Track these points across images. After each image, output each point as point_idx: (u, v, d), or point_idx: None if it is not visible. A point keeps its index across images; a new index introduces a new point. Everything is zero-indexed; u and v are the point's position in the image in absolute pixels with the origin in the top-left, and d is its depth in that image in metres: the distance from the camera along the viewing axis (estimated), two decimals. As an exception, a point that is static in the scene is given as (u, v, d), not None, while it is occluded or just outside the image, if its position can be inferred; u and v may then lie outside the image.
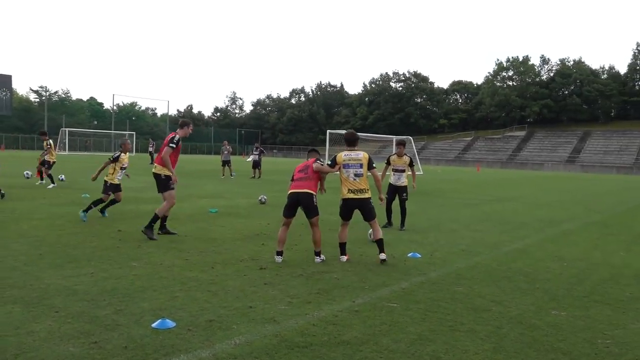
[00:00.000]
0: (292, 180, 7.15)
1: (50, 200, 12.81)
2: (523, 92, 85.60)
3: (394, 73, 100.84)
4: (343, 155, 7.10)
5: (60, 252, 6.95)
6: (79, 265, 6.25)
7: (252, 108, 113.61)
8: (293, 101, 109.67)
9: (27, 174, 19.76)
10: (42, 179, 17.39)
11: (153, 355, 3.69)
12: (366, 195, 7.02)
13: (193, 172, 28.62)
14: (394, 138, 43.89)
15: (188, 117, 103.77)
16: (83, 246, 7.40)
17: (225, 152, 25.57)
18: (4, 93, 76.51)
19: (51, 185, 16.46)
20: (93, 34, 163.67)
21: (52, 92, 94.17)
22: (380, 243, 7.03)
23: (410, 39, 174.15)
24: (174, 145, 8.40)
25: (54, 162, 17.06)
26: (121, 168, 10.47)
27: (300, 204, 6.93)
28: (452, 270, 6.79)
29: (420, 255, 7.57)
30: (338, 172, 7.21)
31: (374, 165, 7.16)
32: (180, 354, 3.73)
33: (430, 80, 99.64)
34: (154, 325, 4.25)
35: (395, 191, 10.45)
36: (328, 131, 32.36)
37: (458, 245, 8.70)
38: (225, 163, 25.48)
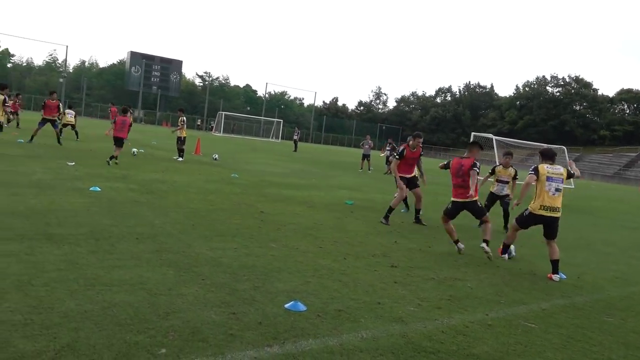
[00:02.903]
0: (452, 177, 7.71)
1: (205, 177, 13.99)
2: None
3: (552, 77, 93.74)
4: (546, 167, 6.97)
5: (210, 225, 7.57)
6: (224, 240, 6.76)
7: (395, 104, 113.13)
8: (438, 100, 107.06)
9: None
10: (180, 156, 18.57)
11: (284, 335, 3.86)
12: (558, 215, 6.89)
13: (333, 164, 29.37)
14: (544, 146, 40.93)
15: (332, 109, 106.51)
16: (229, 222, 7.98)
17: (367, 147, 25.83)
18: (174, 76, 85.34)
19: (180, 159, 18.04)
20: (254, 26, 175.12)
21: (214, 77, 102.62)
22: (555, 264, 6.88)
23: (574, 40, 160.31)
24: (398, 157, 10.14)
25: (184, 138, 18.60)
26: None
27: (467, 210, 7.61)
28: (602, 298, 6.15)
29: (565, 276, 6.97)
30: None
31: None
32: (309, 337, 3.86)
33: (593, 87, 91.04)
34: (286, 306, 4.45)
35: (495, 199, 10.75)
36: (473, 133, 31.12)
37: (611, 270, 7.86)
38: (365, 157, 25.74)
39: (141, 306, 4.07)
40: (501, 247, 7.69)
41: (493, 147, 31.77)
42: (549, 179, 6.83)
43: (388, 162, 24.18)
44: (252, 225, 7.95)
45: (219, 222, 7.88)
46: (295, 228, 8.16)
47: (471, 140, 31.08)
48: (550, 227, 6.92)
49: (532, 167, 7.05)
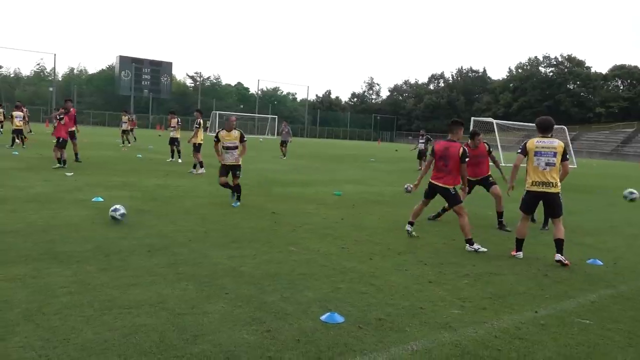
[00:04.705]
0: (435, 161, 7.28)
1: (208, 179, 13.56)
2: (703, 77, 74.23)
3: (544, 57, 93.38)
4: (536, 142, 6.51)
5: (222, 231, 7.17)
6: (241, 246, 6.36)
7: (388, 94, 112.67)
8: (431, 87, 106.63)
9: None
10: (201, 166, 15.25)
11: (327, 352, 3.48)
12: (553, 190, 6.37)
13: (333, 157, 28.97)
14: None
15: (326, 102, 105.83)
16: (242, 227, 7.58)
17: (284, 132, 25.96)
18: (165, 79, 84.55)
19: (199, 171, 14.98)
20: (243, 23, 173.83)
21: (205, 77, 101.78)
22: (560, 243, 6.36)
23: (565, 19, 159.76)
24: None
25: (200, 145, 15.49)
26: (223, 147, 9.73)
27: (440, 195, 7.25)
28: (647, 284, 5.79)
29: (602, 263, 6.61)
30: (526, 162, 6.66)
31: (567, 156, 6.54)
32: (355, 354, 3.48)
33: (586, 65, 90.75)
34: (322, 318, 4.06)
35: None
36: (473, 118, 30.72)
37: (644, 253, 7.50)
38: (283, 143, 25.44)
39: (165, 330, 3.68)
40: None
41: (494, 131, 31.46)
42: (537, 153, 6.41)
43: (422, 156, 21.83)
44: (267, 228, 7.56)
45: (231, 227, 7.48)
46: (311, 228, 7.77)
47: (472, 125, 30.71)
48: (548, 204, 6.53)
49: (521, 145, 6.68)
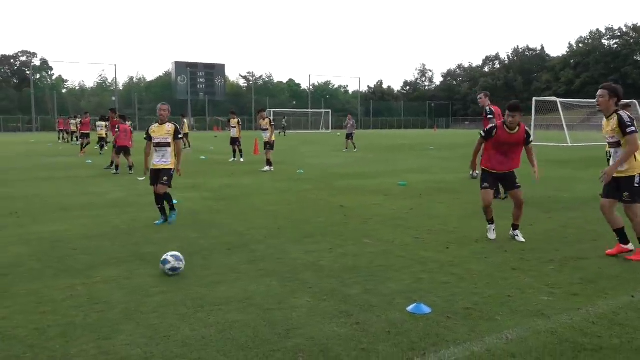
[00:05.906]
0: None
1: (272, 176, 13.78)
2: None
3: (607, 29, 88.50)
4: None
5: (295, 227, 7.26)
6: (315, 241, 6.42)
7: (442, 79, 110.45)
8: (486, 69, 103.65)
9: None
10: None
11: (419, 343, 3.46)
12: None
13: (390, 147, 28.75)
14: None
15: (378, 92, 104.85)
16: (314, 221, 7.66)
17: (349, 125, 26.07)
18: (219, 80, 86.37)
19: (269, 169, 15.26)
20: (292, 21, 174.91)
21: (258, 77, 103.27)
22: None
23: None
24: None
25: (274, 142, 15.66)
26: (153, 145, 7.83)
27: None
28: None
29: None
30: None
31: None
32: (448, 344, 3.44)
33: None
34: (409, 309, 4.04)
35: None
36: (534, 99, 29.57)
37: None
38: (349, 136, 25.70)
39: (258, 325, 3.77)
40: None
41: (558, 110, 30.19)
42: None
43: None
44: (338, 222, 7.60)
45: (303, 222, 7.57)
46: (381, 220, 7.74)
47: (533, 106, 29.57)
48: None
49: (628, 121, 5.47)
